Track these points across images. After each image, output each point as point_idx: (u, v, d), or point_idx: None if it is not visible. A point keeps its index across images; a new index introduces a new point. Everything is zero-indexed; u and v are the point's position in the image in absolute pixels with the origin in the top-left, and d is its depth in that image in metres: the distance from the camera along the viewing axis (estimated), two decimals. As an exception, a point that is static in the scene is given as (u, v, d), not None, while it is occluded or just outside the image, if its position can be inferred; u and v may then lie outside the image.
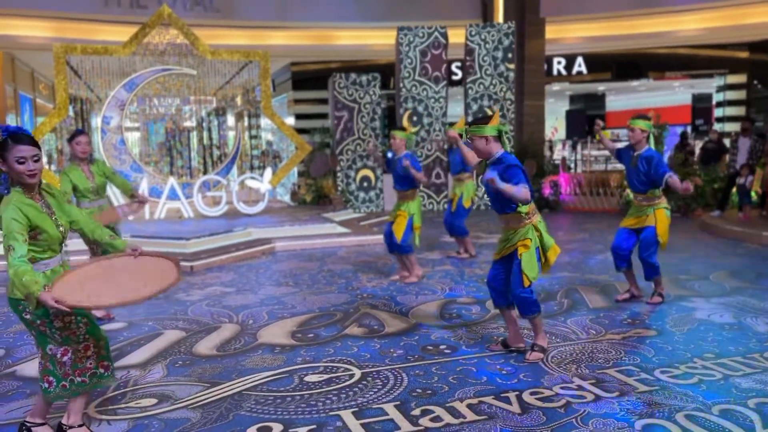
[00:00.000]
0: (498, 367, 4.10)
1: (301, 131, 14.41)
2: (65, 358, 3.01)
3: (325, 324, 5.20)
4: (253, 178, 11.68)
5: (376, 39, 17.20)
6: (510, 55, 13.51)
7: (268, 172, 11.73)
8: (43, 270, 2.95)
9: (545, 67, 16.37)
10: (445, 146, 8.20)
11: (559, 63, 19.16)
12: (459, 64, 18.01)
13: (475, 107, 13.46)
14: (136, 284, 2.95)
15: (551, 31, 15.84)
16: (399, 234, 6.45)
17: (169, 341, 4.82)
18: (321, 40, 17.45)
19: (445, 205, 10.77)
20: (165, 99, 14.03)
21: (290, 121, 18.70)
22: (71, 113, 11.70)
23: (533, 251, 4.07)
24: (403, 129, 6.61)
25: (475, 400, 3.57)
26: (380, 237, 9.54)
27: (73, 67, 11.30)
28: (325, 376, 4.00)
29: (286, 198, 14.37)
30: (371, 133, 13.49)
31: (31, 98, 18.52)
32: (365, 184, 13.60)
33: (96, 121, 15.69)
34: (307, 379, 3.97)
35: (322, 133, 14.08)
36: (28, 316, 2.94)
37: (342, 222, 10.59)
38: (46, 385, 3.02)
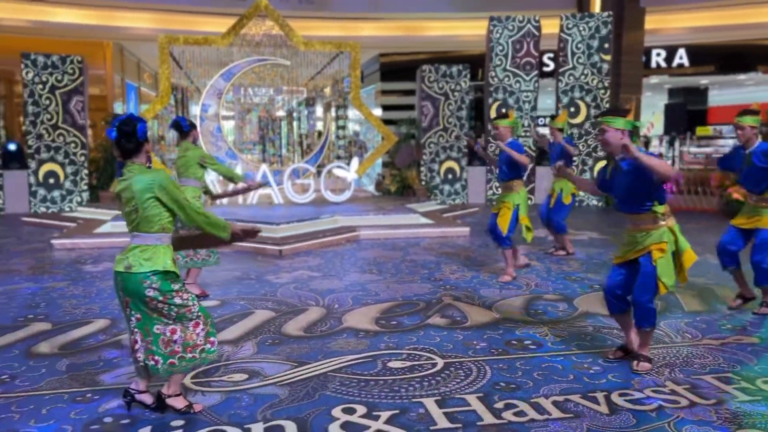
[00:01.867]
0: (585, 365, 4.00)
1: (387, 122, 14.51)
2: (175, 336, 3.17)
3: (408, 312, 5.24)
4: (339, 167, 11.89)
5: (466, 29, 17.03)
6: (606, 46, 13.00)
7: (355, 161, 11.90)
8: (166, 242, 3.19)
9: (643, 58, 15.65)
10: (549, 139, 7.95)
11: (658, 55, 18.27)
12: (551, 55, 17.53)
13: (565, 100, 13.07)
14: None
15: (651, 21, 15.12)
16: (505, 227, 6.23)
17: (260, 320, 5.01)
18: (411, 31, 17.47)
19: (536, 200, 10.55)
20: (259, 89, 14.54)
21: (377, 112, 18.87)
22: (172, 101, 12.33)
23: (670, 256, 3.75)
24: (505, 116, 6.42)
25: (561, 398, 3.50)
26: (463, 229, 9.49)
27: (174, 57, 11.89)
28: (408, 364, 4.04)
29: (371, 188, 14.54)
30: (458, 124, 13.39)
31: (136, 86, 19.65)
32: (449, 176, 13.53)
33: (194, 109, 16.49)
34: (390, 365, 4.02)
35: (408, 125, 14.12)
36: (151, 293, 3.07)
37: (425, 213, 10.61)
38: (153, 363, 3.19)
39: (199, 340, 3.23)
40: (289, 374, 3.87)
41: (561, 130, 7.68)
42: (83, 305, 5.47)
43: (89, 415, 3.30)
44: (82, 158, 11.98)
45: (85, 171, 12.06)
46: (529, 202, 11.69)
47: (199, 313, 3.24)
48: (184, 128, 5.74)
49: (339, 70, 13.40)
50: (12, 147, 11.74)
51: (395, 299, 5.67)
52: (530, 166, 8.27)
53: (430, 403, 3.43)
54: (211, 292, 5.89)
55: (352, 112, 18.06)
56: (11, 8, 13.74)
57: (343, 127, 19.29)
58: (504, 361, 4.08)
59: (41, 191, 11.75)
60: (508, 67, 13.18)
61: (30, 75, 11.56)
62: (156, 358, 3.18)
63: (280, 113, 17.01)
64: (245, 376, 3.84)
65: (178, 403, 3.31)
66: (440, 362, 4.06)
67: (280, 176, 11.58)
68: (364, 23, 17.04)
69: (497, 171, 6.53)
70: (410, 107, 16.17)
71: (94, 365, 4.04)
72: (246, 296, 5.78)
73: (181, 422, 3.22)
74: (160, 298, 3.10)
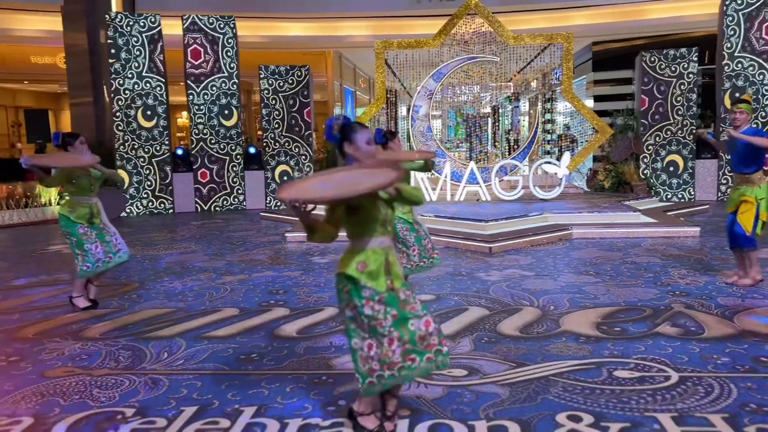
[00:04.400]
0: None
1: (600, 114, 13.74)
2: (372, 353, 2.93)
3: (632, 319, 4.91)
4: (549, 162, 11.53)
5: (693, 9, 15.44)
6: None
7: (567, 156, 11.45)
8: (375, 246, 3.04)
9: None
10: None
11: None
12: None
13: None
14: (355, 182, 2.86)
15: None
16: (748, 225, 5.59)
17: (474, 317, 5.05)
18: (627, 16, 16.34)
19: None
20: (466, 87, 14.67)
21: (588, 103, 17.95)
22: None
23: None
24: (746, 101, 5.74)
25: (829, 429, 3.01)
26: (692, 229, 8.63)
27: (387, 62, 12.48)
28: (637, 374, 3.78)
29: (580, 183, 13.89)
30: (685, 114, 12.21)
31: (353, 91, 21.03)
32: (671, 168, 12.40)
33: (402, 110, 17.18)
34: (617, 373, 3.80)
35: (625, 116, 13.21)
36: (345, 295, 3.01)
37: (646, 211, 9.85)
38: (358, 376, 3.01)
39: (395, 357, 2.91)
40: (509, 374, 3.84)
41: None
42: (314, 293, 6.00)
43: (326, 396, 3.60)
44: (307, 159, 13.14)
45: (311, 171, 13.21)
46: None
47: (391, 329, 2.92)
48: (377, 140, 5.93)
49: (548, 63, 13.00)
50: (252, 150, 13.28)
51: (617, 304, 5.35)
52: None
53: (665, 419, 3.17)
54: (425, 286, 6.09)
55: (561, 105, 17.40)
56: (250, 26, 15.54)
57: (552, 121, 18.67)
58: (753, 380, 3.62)
59: (276, 189, 13.13)
60: (740, 52, 11.68)
61: (265, 85, 12.96)
62: (356, 375, 3.01)
63: (486, 110, 17.01)
64: (465, 372, 3.89)
65: (369, 423, 3.13)
66: (674, 375, 3.73)
67: (488, 173, 11.57)
68: (574, 12, 16.32)
69: (730, 162, 5.84)
70: (624, 97, 15.12)
71: (327, 350, 4.40)
72: (459, 292, 5.87)
73: (406, 411, 3.36)
74: (351, 303, 2.98)
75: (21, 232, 10.78)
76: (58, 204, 12.04)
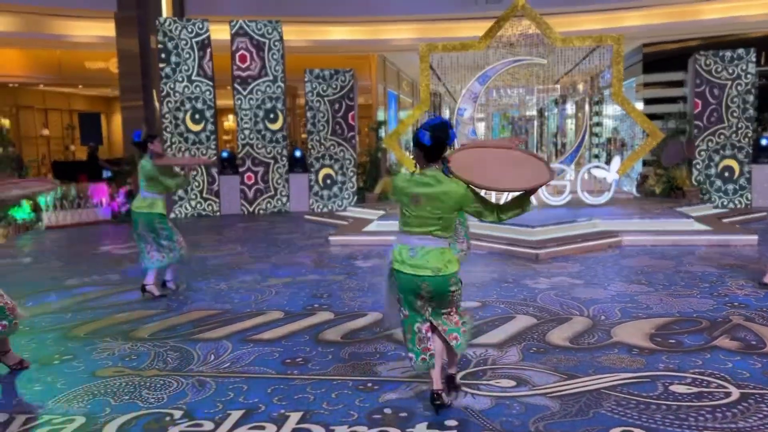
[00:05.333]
0: None
1: (649, 117, 13.33)
2: (429, 334, 3.43)
3: (687, 331, 4.72)
4: (598, 166, 11.26)
5: (750, 9, 14.90)
6: None
7: (617, 160, 11.16)
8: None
9: None
10: None
11: None
12: None
13: None
14: (512, 175, 3.18)
15: None
16: None
17: (522, 326, 4.94)
18: (681, 17, 15.86)
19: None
20: (511, 89, 14.48)
21: (638, 106, 17.50)
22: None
23: None
24: None
25: None
26: (750, 237, 8.29)
27: (431, 65, 12.40)
28: (695, 389, 3.62)
29: (629, 188, 13.53)
30: (741, 116, 11.76)
31: (396, 94, 21.01)
32: (726, 174, 11.95)
33: (445, 113, 17.07)
34: (673, 388, 3.64)
35: (677, 119, 12.81)
36: (453, 288, 3.33)
37: (700, 218, 9.50)
38: (455, 341, 3.46)
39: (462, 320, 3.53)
40: (559, 386, 3.73)
41: None
42: (358, 298, 5.97)
43: (371, 404, 3.56)
44: (351, 163, 13.17)
45: (354, 174, 13.23)
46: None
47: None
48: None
49: (597, 65, 12.72)
50: (297, 154, 13.38)
51: (671, 314, 5.15)
52: None
53: (727, 439, 3.02)
54: (470, 293, 5.99)
55: (611, 108, 17.01)
56: (296, 31, 15.68)
57: (599, 124, 18.26)
58: (821, 400, 3.43)
59: (320, 192, 13.20)
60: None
61: (310, 89, 13.05)
62: (455, 335, 3.44)
63: (531, 113, 16.77)
64: (513, 383, 3.80)
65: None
66: (735, 392, 3.56)
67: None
68: (625, 13, 15.93)
69: None
70: (675, 100, 14.67)
71: (372, 356, 4.36)
72: (505, 300, 5.76)
73: (454, 422, 3.30)
74: (459, 291, 3.40)
75: (74, 232, 11.11)
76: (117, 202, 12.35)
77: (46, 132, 20.30)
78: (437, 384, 3.40)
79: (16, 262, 8.42)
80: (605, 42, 11.68)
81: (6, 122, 14.67)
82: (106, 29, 14.83)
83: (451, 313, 3.46)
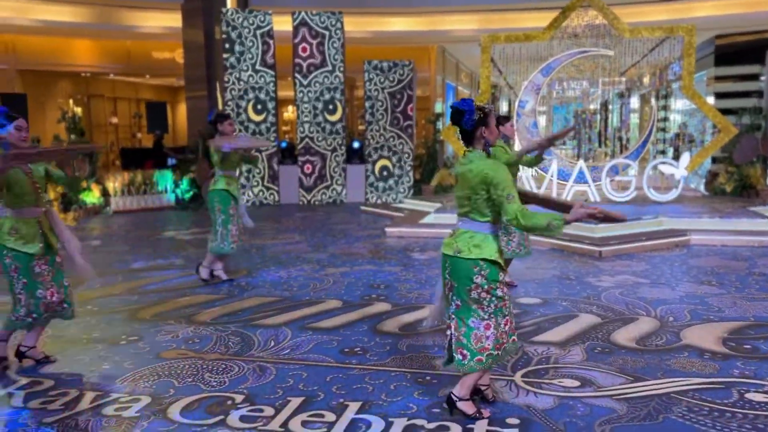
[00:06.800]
0: None
1: (721, 112, 12.73)
2: (488, 332, 3.13)
3: (765, 336, 4.47)
4: (666, 162, 10.84)
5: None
6: None
7: (686, 156, 10.71)
8: (495, 233, 3.19)
9: None
10: None
11: None
12: None
13: None
14: None
15: None
16: None
17: (585, 325, 4.80)
18: (757, 7, 15.07)
19: None
20: (574, 82, 14.09)
21: (709, 100, 16.75)
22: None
23: None
24: None
25: None
26: (832, 240, 7.81)
27: (492, 57, 12.18)
28: (774, 399, 3.42)
29: (696, 186, 12.98)
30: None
31: (454, 86, 20.79)
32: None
33: (503, 106, 16.75)
34: (749, 396, 3.46)
35: (753, 114, 12.19)
36: (478, 279, 3.07)
37: (775, 218, 9.01)
38: (460, 357, 3.17)
39: (504, 338, 3.18)
40: (625, 388, 3.60)
41: None
42: (415, 290, 5.93)
43: (430, 397, 3.52)
44: (409, 156, 13.11)
45: (411, 168, 13.17)
46: None
47: (509, 310, 3.21)
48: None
49: (666, 57, 12.21)
50: (356, 145, 13.43)
51: (745, 319, 4.90)
52: None
53: (811, 454, 2.84)
54: (531, 290, 5.87)
55: (679, 102, 16.34)
56: (356, 22, 15.69)
57: (666, 119, 17.55)
58: None
59: (375, 183, 13.21)
60: None
61: (369, 80, 13.04)
62: (465, 352, 3.15)
63: (594, 106, 16.26)
64: (577, 383, 3.69)
65: (469, 408, 3.24)
66: (819, 404, 3.35)
67: (597, 172, 11.04)
68: (698, 3, 15.24)
69: None
70: (749, 94, 13.95)
71: (430, 349, 4.32)
72: (567, 297, 5.61)
73: (516, 420, 3.22)
74: (486, 287, 3.09)
75: (139, 217, 11.48)
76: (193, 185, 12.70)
77: (114, 120, 21.08)
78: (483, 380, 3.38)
79: (86, 244, 8.76)
80: (676, 33, 11.22)
81: (78, 110, 15.27)
82: (173, 20, 15.21)
83: (472, 318, 3.12)
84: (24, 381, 3.83)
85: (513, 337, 3.26)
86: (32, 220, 3.94)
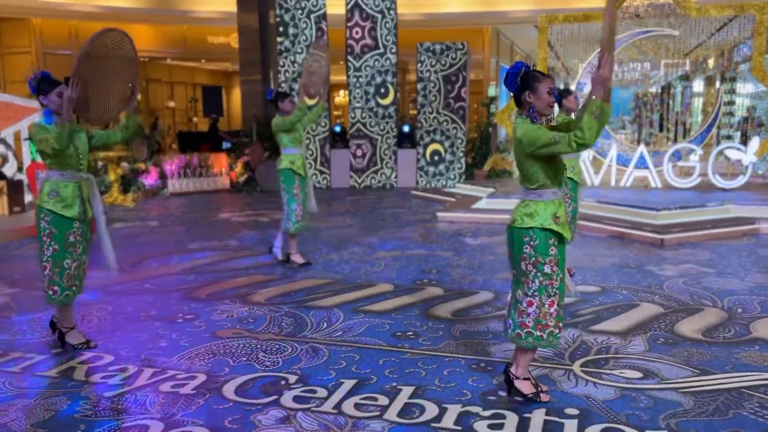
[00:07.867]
0: None
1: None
2: (530, 309, 3.08)
3: (844, 331, 4.20)
4: (734, 147, 10.33)
5: None
6: None
7: (755, 141, 10.19)
8: (547, 199, 3.05)
9: None
10: None
11: None
12: None
13: None
14: None
15: None
16: None
17: (647, 314, 4.61)
18: (838, -19, 14.09)
19: None
20: (634, 64, 13.53)
21: (780, 83, 15.85)
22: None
23: None
24: None
25: None
26: None
27: (548, 39, 11.83)
28: None
29: (765, 172, 12.35)
30: None
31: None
32: None
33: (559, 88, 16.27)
34: (829, 395, 3.24)
35: (829, 97, 11.48)
36: (528, 249, 3.02)
37: None
38: (507, 326, 3.24)
39: (549, 321, 3.08)
40: (692, 381, 3.43)
41: None
42: (468, 275, 5.83)
43: (485, 384, 3.44)
44: (460, 140, 12.93)
45: (462, 151, 12.98)
46: None
47: (558, 290, 3.07)
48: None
49: (734, 37, 11.59)
50: (406, 129, 13.32)
51: (822, 312, 4.61)
52: None
53: None
54: (589, 278, 5.69)
55: (748, 86, 15.56)
56: (408, 3, 15.50)
57: (732, 102, 16.74)
58: None
59: (425, 168, 13.09)
60: None
61: (422, 63, 12.88)
62: (509, 322, 3.19)
63: (655, 89, 15.60)
64: (639, 374, 3.54)
65: (525, 388, 3.21)
66: None
67: (659, 157, 10.63)
68: (771, -22, 14.36)
69: None
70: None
71: (484, 336, 4.23)
72: (628, 286, 5.41)
73: (575, 411, 3.11)
74: (533, 260, 3.03)
75: (195, 199, 11.72)
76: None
77: (171, 104, 21.55)
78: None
79: (144, 225, 8.99)
80: (747, 11, 10.63)
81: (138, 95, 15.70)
82: (228, 4, 15.37)
83: (519, 290, 3.11)
84: (87, 355, 3.94)
85: (560, 323, 3.11)
86: (73, 183, 3.87)
